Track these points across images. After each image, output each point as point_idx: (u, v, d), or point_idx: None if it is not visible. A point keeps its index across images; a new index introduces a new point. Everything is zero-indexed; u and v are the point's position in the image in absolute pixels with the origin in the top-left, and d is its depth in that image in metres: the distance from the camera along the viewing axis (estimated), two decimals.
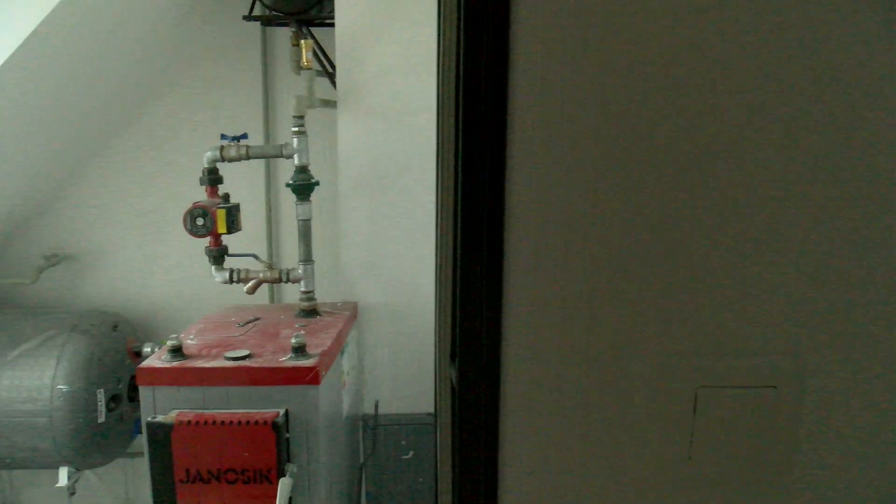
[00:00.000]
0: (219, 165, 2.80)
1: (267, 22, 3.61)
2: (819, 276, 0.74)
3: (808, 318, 0.75)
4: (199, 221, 2.69)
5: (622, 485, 0.79)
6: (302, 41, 3.06)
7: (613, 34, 0.68)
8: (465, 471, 0.76)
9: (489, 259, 0.71)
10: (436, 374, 0.89)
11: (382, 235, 3.10)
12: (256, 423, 2.20)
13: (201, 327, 2.77)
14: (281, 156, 2.85)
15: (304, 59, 3.01)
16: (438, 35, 0.82)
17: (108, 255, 4.04)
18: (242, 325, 2.78)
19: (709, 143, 0.70)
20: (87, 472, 3.74)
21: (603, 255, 0.73)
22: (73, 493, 3.42)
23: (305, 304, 2.94)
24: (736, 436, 0.77)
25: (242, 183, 3.50)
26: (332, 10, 3.03)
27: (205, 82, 3.90)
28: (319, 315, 2.93)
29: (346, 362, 2.84)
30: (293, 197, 2.86)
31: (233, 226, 2.74)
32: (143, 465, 2.31)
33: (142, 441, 2.28)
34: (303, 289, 2.93)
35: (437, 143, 0.86)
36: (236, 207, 2.80)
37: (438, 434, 0.89)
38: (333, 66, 3.32)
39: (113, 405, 3.37)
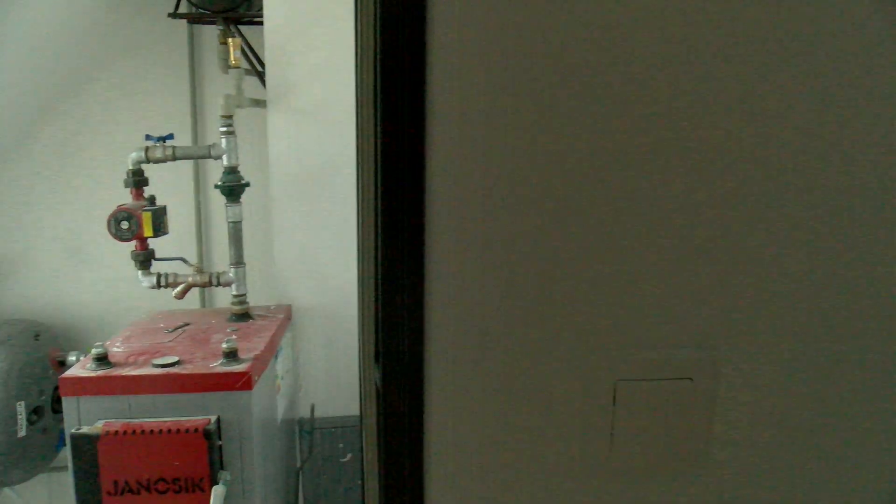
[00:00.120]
0: (144, 167, 2.72)
1: (194, 20, 3.52)
2: (732, 268, 0.76)
3: (720, 310, 0.77)
4: (124, 225, 2.61)
5: (548, 477, 0.80)
6: (230, 39, 3.00)
7: (534, 27, 0.68)
8: (390, 471, 0.76)
9: (410, 257, 0.71)
10: (360, 375, 0.89)
11: (315, 236, 3.06)
12: (187, 430, 2.15)
13: (128, 334, 2.68)
14: (209, 156, 2.78)
15: (233, 58, 2.96)
16: (356, 34, 0.82)
17: (28, 261, 3.87)
18: (171, 332, 2.70)
19: (625, 139, 0.72)
20: (5, 489, 3.57)
21: (523, 252, 0.74)
22: None
23: (237, 308, 2.88)
24: (655, 426, 0.80)
25: (170, 185, 3.40)
26: (261, 8, 2.98)
27: (128, 81, 3.78)
28: (252, 319, 2.88)
29: (281, 366, 2.80)
30: (223, 199, 2.79)
31: (159, 229, 2.67)
32: (67, 479, 2.22)
33: (66, 454, 2.20)
34: (234, 292, 2.87)
35: (357, 144, 0.85)
36: (163, 210, 2.72)
37: (364, 436, 0.88)
38: (263, 65, 3.26)
39: (35, 418, 3.23)
